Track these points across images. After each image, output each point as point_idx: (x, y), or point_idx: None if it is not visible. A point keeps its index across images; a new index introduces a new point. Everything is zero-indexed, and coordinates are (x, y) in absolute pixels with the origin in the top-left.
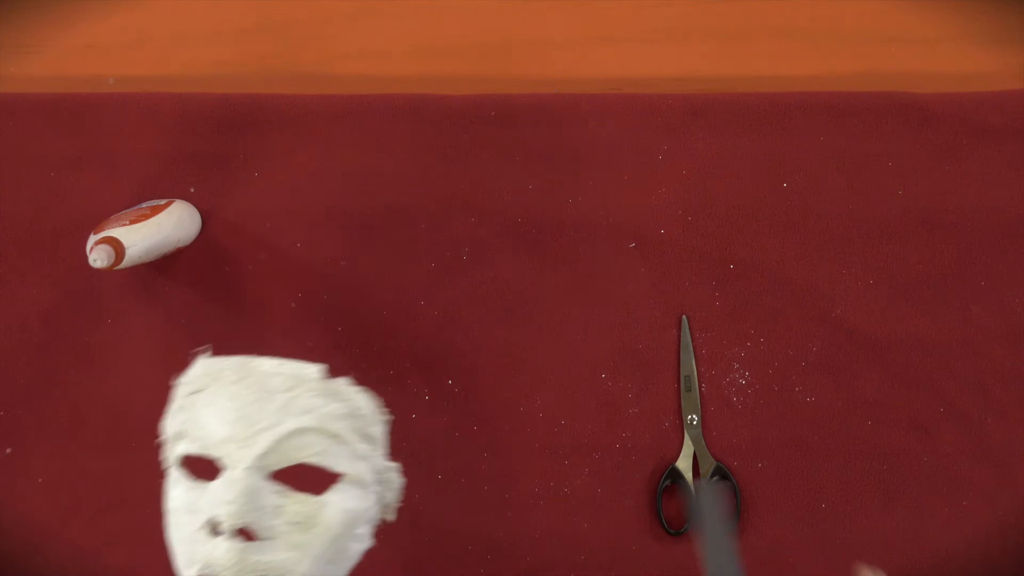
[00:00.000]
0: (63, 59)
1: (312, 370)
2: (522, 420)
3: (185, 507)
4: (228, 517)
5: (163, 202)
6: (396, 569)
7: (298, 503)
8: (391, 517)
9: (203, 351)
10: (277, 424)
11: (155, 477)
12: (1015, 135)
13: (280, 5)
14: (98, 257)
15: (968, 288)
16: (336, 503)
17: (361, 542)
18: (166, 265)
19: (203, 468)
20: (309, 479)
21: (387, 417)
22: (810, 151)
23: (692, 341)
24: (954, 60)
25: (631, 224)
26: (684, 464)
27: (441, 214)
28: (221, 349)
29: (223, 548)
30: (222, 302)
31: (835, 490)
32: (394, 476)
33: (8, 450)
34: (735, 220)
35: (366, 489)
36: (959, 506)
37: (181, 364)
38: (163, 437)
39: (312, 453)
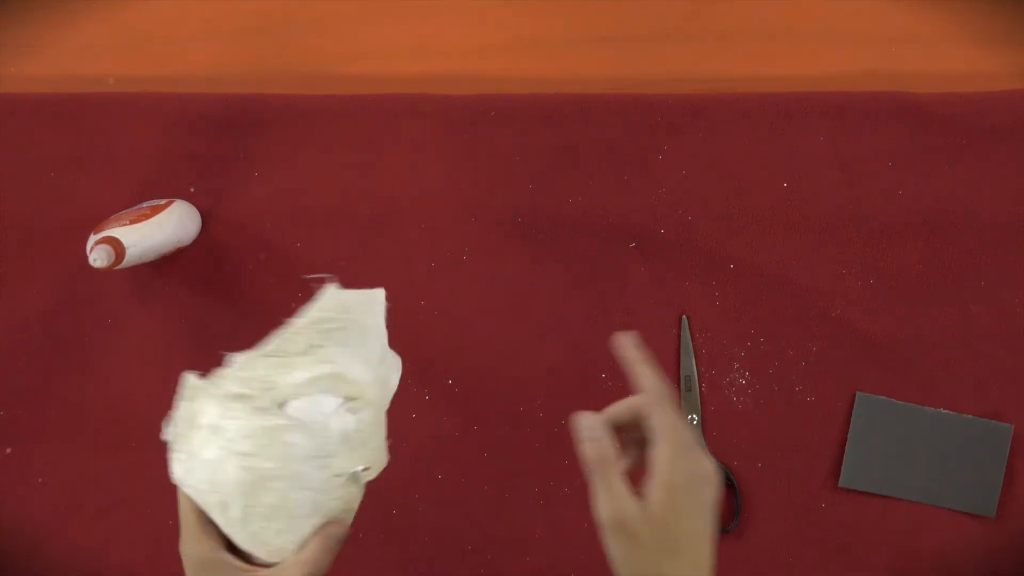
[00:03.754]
0: (63, 59)
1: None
2: (522, 420)
3: (308, 454)
4: (378, 464)
5: (163, 202)
6: (396, 569)
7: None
8: None
9: (330, 279)
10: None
11: (155, 477)
12: (1015, 135)
13: (280, 5)
14: (98, 257)
15: (968, 288)
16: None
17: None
18: (166, 265)
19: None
20: None
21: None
22: (810, 151)
23: (692, 341)
24: (954, 60)
25: (631, 224)
26: None
27: (441, 214)
28: (221, 349)
29: (359, 488)
30: (222, 302)
31: (835, 490)
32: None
33: (8, 450)
34: (735, 220)
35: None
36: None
37: (181, 364)
38: (293, 385)
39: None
